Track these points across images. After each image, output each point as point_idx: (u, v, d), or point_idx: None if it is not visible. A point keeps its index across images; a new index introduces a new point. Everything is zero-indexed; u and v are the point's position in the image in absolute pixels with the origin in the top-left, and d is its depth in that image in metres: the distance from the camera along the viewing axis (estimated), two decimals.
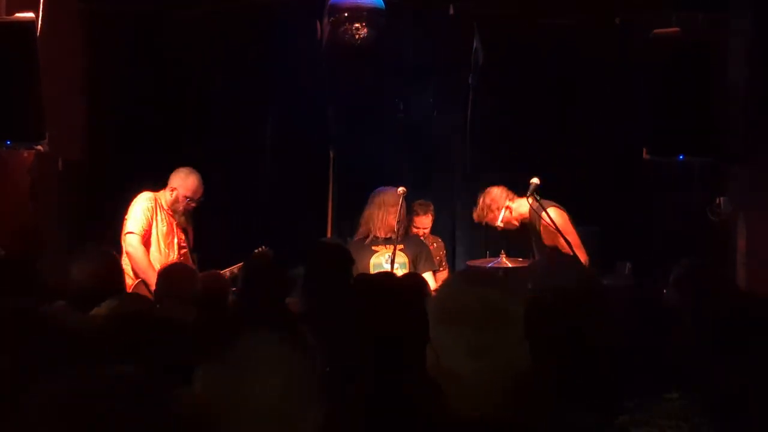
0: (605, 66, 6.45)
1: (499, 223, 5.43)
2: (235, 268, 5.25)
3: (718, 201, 5.67)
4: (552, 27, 6.24)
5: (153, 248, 5.29)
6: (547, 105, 6.56)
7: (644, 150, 5.58)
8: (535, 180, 5.28)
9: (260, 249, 5.25)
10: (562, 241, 5.06)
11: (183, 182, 5.34)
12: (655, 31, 5.59)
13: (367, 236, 5.44)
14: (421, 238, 5.82)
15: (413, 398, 2.00)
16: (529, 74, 6.58)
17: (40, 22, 5.12)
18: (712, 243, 5.61)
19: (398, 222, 5.30)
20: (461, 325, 1.71)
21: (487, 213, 5.46)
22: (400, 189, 5.35)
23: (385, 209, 5.37)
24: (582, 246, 5.18)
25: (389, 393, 1.91)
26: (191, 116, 6.45)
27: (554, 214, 5.22)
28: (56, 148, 5.40)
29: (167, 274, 4.06)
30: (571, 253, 4.85)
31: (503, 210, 5.39)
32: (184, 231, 5.44)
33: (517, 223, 5.45)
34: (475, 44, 6.03)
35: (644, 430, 1.53)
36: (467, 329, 1.71)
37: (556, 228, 5.07)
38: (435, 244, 5.99)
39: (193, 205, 5.40)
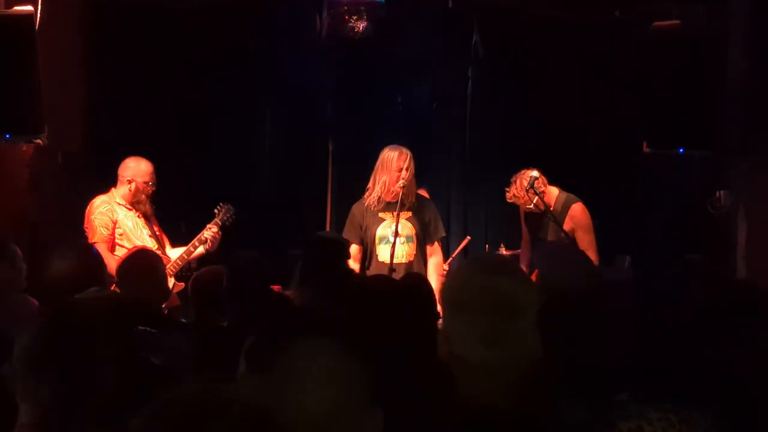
0: (605, 58, 6.44)
1: (531, 206, 5.31)
2: (201, 235, 5.25)
3: (717, 194, 5.67)
4: (551, 19, 6.22)
5: (125, 251, 5.10)
6: (546, 98, 6.54)
7: (644, 143, 5.57)
8: (534, 173, 5.28)
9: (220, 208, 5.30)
10: (581, 236, 5.16)
11: (138, 170, 5.26)
12: (655, 23, 5.58)
13: (376, 199, 5.20)
14: None
15: (424, 386, 2.01)
16: (528, 67, 6.57)
17: (39, 15, 5.11)
18: (711, 236, 5.60)
19: (404, 187, 5.07)
20: (473, 313, 1.71)
21: (521, 194, 5.29)
22: (400, 183, 5.13)
23: (390, 171, 5.13)
24: (595, 246, 5.23)
25: (399, 381, 1.91)
26: (189, 109, 6.44)
27: (580, 210, 5.29)
28: (55, 142, 5.39)
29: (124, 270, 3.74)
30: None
31: (535, 195, 5.24)
32: (154, 217, 5.38)
33: (542, 208, 5.27)
34: (474, 37, 6.02)
35: (634, 423, 1.53)
36: (478, 317, 1.71)
37: (557, 223, 5.08)
38: None
39: (152, 188, 5.32)
